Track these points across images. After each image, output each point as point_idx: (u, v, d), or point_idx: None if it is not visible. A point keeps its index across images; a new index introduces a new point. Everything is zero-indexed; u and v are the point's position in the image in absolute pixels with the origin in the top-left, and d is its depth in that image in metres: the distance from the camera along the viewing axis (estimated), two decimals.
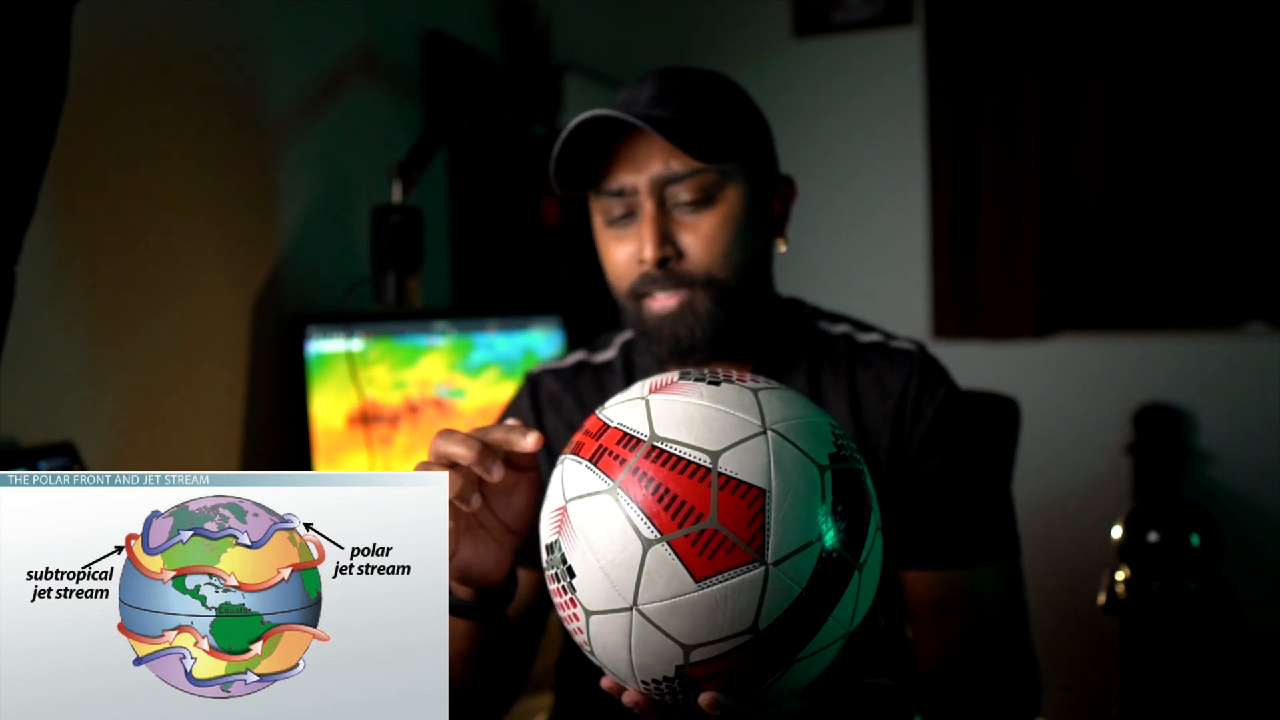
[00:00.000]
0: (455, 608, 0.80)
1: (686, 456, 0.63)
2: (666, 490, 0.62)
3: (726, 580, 0.61)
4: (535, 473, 0.79)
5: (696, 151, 0.91)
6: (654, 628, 0.62)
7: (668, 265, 0.94)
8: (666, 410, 0.66)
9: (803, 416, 0.66)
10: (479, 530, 0.78)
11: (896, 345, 1.04)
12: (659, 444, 0.64)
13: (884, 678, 0.82)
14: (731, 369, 0.73)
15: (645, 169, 0.94)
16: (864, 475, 0.68)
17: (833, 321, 1.08)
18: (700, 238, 0.94)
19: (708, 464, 0.62)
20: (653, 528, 0.62)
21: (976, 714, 0.92)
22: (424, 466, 0.73)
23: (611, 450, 0.66)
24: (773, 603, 0.61)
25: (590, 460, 0.67)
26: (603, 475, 0.65)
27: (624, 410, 0.68)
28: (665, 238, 0.94)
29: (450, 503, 0.72)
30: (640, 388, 0.70)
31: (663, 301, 0.95)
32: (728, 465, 0.62)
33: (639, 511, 0.62)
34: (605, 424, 0.68)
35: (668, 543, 0.61)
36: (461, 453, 0.72)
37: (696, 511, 0.61)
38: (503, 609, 0.82)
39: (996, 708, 0.94)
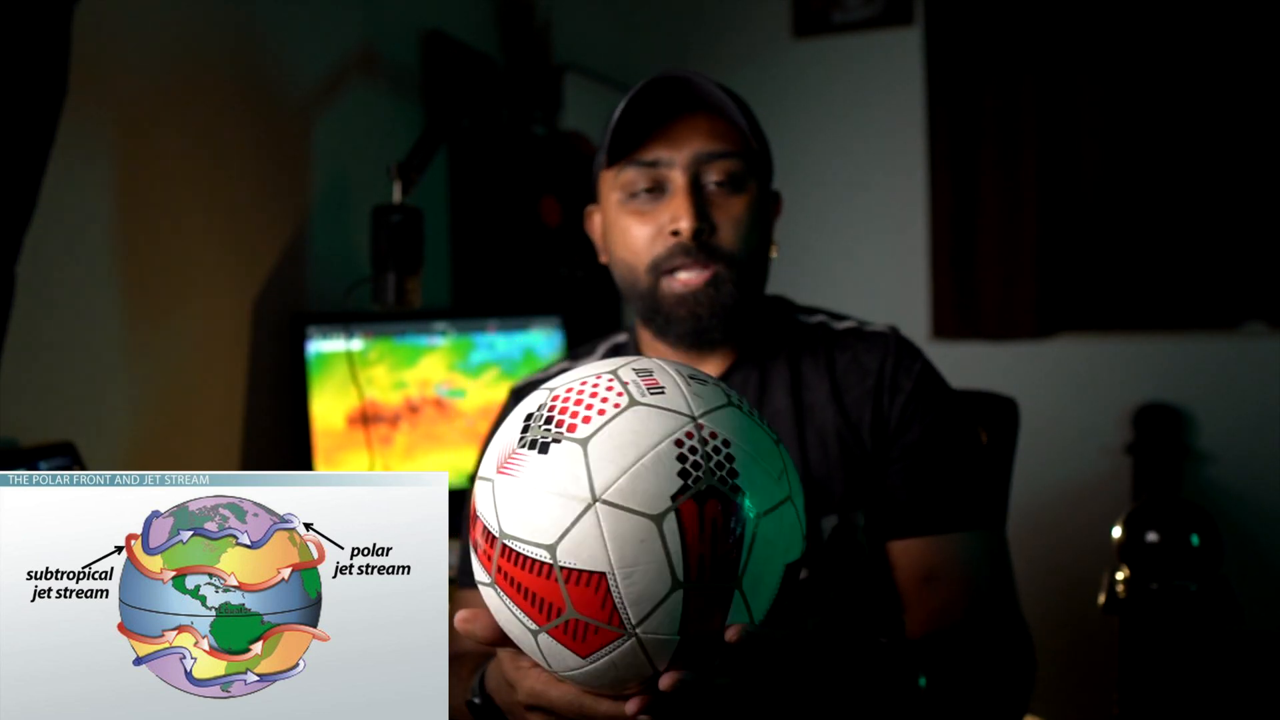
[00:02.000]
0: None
1: (530, 555, 0.63)
2: (526, 589, 0.63)
3: (609, 653, 0.63)
4: None
5: (749, 129, 0.96)
6: (582, 683, 0.66)
7: (701, 238, 0.96)
8: (508, 496, 0.65)
9: (635, 461, 0.62)
10: None
11: (871, 329, 1.07)
12: (508, 542, 0.64)
13: (889, 640, 0.82)
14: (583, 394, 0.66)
15: (685, 145, 0.97)
16: (721, 481, 0.62)
17: (809, 313, 1.11)
18: (731, 218, 0.98)
19: (548, 560, 0.62)
20: (530, 620, 0.64)
21: (980, 675, 0.94)
22: None
23: (481, 546, 0.66)
24: (659, 653, 0.62)
25: (474, 549, 0.68)
26: (483, 569, 0.66)
27: (481, 493, 0.67)
28: (702, 211, 0.96)
29: None
30: (489, 461, 0.67)
31: (688, 278, 0.97)
32: (565, 557, 0.62)
33: (514, 607, 0.64)
34: (475, 513, 0.67)
35: (546, 633, 0.63)
36: None
37: (555, 606, 0.62)
38: None
39: (998, 670, 0.96)
